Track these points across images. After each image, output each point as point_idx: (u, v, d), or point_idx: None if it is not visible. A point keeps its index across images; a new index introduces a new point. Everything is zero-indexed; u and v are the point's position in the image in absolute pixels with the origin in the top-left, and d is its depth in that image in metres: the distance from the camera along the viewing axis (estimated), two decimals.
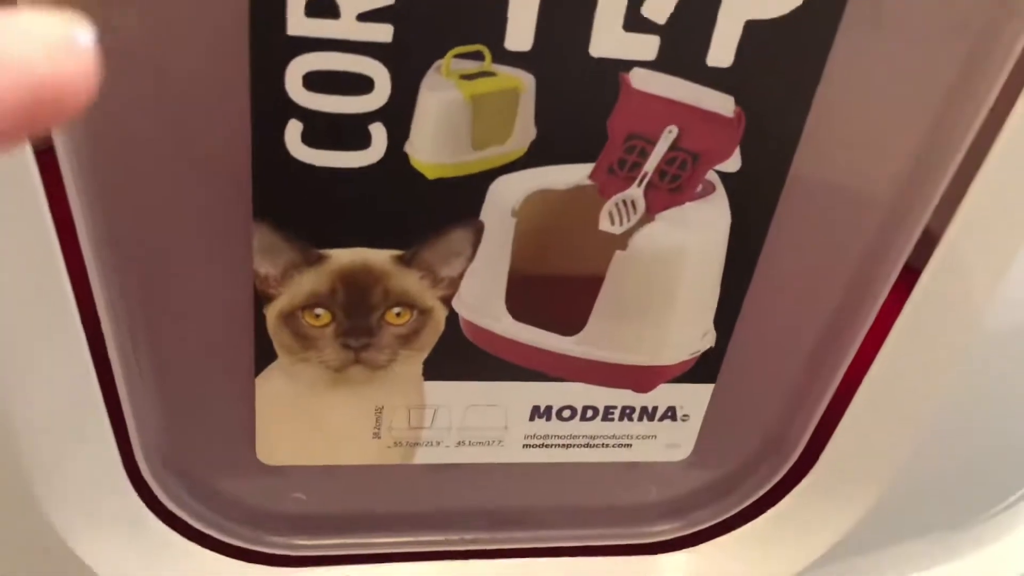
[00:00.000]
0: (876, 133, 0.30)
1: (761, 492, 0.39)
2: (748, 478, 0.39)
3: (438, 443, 0.36)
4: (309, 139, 0.27)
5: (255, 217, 0.28)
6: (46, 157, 0.26)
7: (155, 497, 0.34)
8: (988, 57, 0.28)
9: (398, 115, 0.27)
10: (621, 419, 0.36)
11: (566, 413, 0.36)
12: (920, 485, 0.38)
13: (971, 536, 0.43)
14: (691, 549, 0.40)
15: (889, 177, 0.31)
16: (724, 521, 0.39)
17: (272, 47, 0.25)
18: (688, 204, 0.30)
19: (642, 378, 0.35)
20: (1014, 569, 0.44)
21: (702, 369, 0.35)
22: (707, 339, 0.34)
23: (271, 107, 0.26)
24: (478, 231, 0.30)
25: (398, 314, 0.31)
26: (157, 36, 0.25)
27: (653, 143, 0.29)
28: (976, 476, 0.41)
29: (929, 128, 0.30)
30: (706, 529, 0.40)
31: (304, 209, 0.28)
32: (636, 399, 0.36)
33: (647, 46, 0.27)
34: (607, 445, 0.37)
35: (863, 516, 0.38)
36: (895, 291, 0.34)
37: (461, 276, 0.31)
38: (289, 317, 0.31)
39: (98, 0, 0.24)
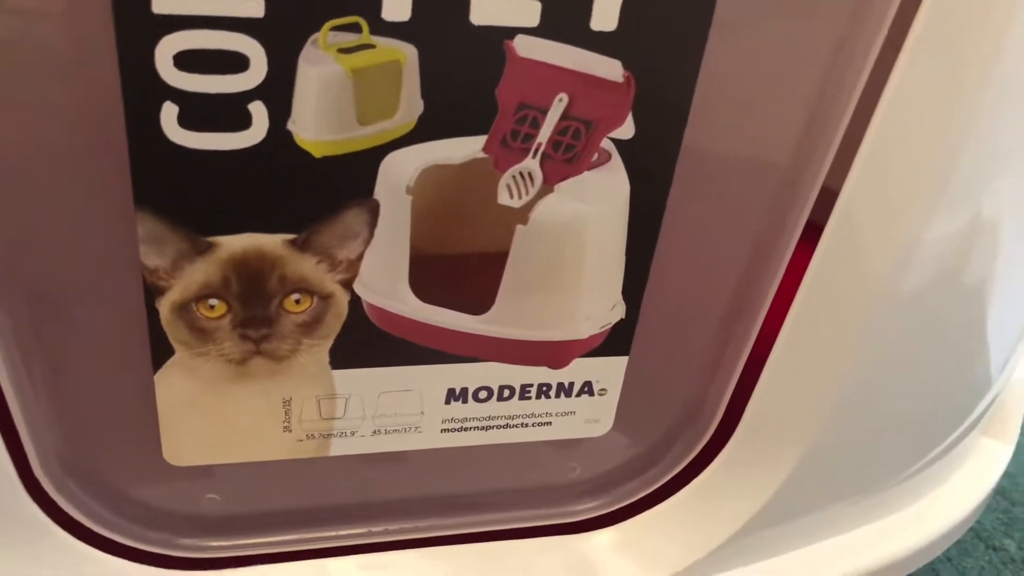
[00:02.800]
0: (767, 93, 0.30)
1: (683, 464, 0.39)
2: (669, 450, 0.39)
3: (352, 433, 0.35)
4: (186, 121, 0.26)
5: (137, 206, 0.27)
6: None
7: (57, 506, 0.33)
8: (871, 10, 0.29)
9: (278, 92, 0.26)
10: (539, 397, 0.36)
11: (482, 394, 0.35)
12: (838, 447, 0.39)
13: (889, 497, 0.44)
14: (616, 526, 0.40)
15: (783, 137, 0.31)
16: (648, 495, 0.39)
17: (138, 26, 0.24)
18: (586, 173, 0.30)
19: (556, 354, 0.35)
20: (932, 529, 0.44)
21: (615, 342, 0.35)
22: (617, 311, 0.34)
23: (143, 89, 0.25)
24: (373, 210, 0.29)
25: (297, 301, 0.31)
26: (16, 21, 0.24)
27: (544, 112, 0.29)
28: (892, 437, 0.41)
29: (817, 86, 0.30)
30: (631, 504, 0.39)
31: (187, 195, 0.27)
32: (552, 376, 0.36)
33: (529, 12, 0.26)
34: (526, 425, 0.37)
35: (784, 482, 0.38)
36: (800, 251, 0.34)
37: (360, 258, 0.30)
38: (183, 310, 0.30)
39: None
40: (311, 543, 0.37)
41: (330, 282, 0.31)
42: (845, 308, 0.34)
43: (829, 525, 0.41)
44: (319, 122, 0.27)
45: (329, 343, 0.32)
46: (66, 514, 0.33)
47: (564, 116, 0.29)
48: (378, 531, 0.38)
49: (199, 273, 0.29)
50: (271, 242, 0.29)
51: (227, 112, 0.26)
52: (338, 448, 0.35)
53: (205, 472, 0.35)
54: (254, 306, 0.30)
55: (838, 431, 0.38)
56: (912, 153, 0.31)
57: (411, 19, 0.25)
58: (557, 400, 0.36)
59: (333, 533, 0.37)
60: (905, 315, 0.36)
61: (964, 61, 0.29)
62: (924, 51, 0.29)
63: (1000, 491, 0.79)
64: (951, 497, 0.46)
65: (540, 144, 0.29)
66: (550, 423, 0.37)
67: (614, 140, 0.30)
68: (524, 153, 0.29)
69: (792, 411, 0.37)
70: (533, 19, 0.26)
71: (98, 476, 0.33)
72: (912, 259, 0.33)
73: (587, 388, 0.36)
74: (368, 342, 0.33)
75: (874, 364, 0.36)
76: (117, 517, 0.34)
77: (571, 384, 0.36)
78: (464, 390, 0.35)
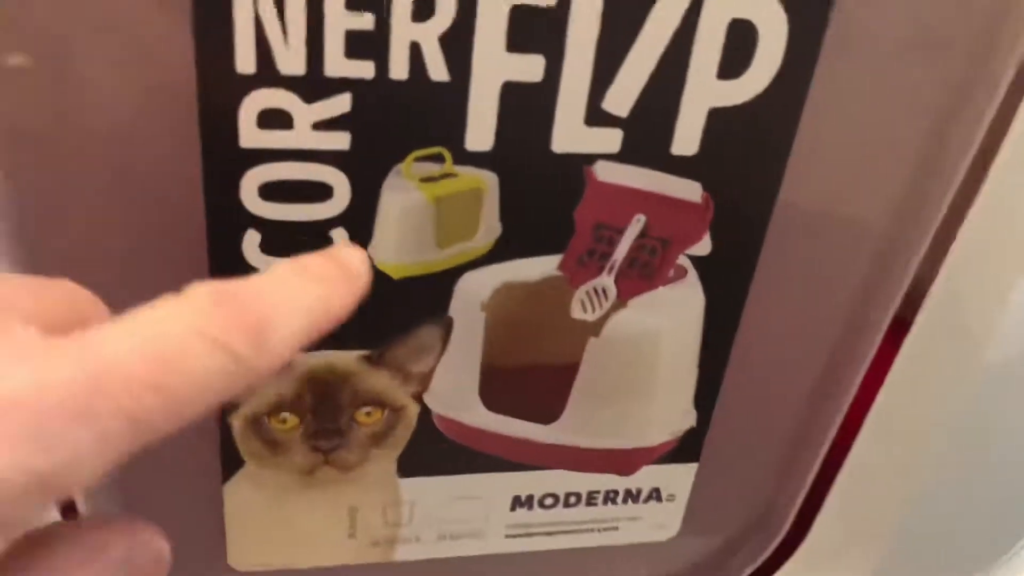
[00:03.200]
0: (847, 207, 0.30)
1: (751, 569, 0.38)
2: (737, 553, 0.38)
3: (417, 539, 0.35)
4: (268, 248, 0.26)
5: None
6: None
7: None
8: (959, 123, 0.28)
9: (359, 219, 0.26)
10: (605, 503, 0.35)
11: (548, 501, 0.35)
12: (914, 549, 0.38)
13: None
14: None
15: (865, 245, 0.31)
16: None
17: (225, 160, 0.24)
18: (660, 289, 0.30)
19: (624, 461, 0.34)
20: None
21: (685, 448, 0.34)
22: (688, 418, 0.33)
23: (227, 218, 0.25)
24: (447, 326, 0.29)
25: (368, 414, 0.30)
26: (107, 160, 0.24)
27: (621, 232, 0.28)
28: (973, 532, 0.40)
29: (903, 191, 0.30)
30: None
31: None
32: (619, 482, 0.35)
33: (610, 139, 0.26)
34: (592, 530, 0.36)
35: None
36: (878, 354, 0.33)
37: (432, 371, 0.30)
38: (255, 423, 0.30)
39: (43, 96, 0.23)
40: None
41: (402, 395, 0.30)
42: (929, 408, 0.33)
43: None
44: (400, 247, 0.27)
45: (397, 452, 0.32)
46: None
47: (641, 235, 0.28)
48: None
49: (273, 388, 0.29)
50: (346, 358, 0.29)
51: (309, 238, 0.26)
52: (402, 553, 0.35)
53: None
54: (326, 419, 0.30)
55: (912, 535, 0.37)
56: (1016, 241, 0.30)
57: (493, 148, 0.25)
58: (624, 506, 0.36)
59: None
60: (996, 411, 0.34)
61: None
62: None
63: None
64: None
65: (616, 261, 0.29)
66: (616, 528, 0.36)
67: (690, 256, 0.29)
68: (599, 270, 0.29)
69: (866, 517, 0.36)
70: (614, 146, 0.26)
71: None
72: (1010, 346, 0.32)
73: (655, 494, 0.36)
74: (436, 451, 0.32)
75: (952, 466, 0.35)
76: None
77: (639, 490, 0.35)
78: (530, 497, 0.35)
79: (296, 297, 0.18)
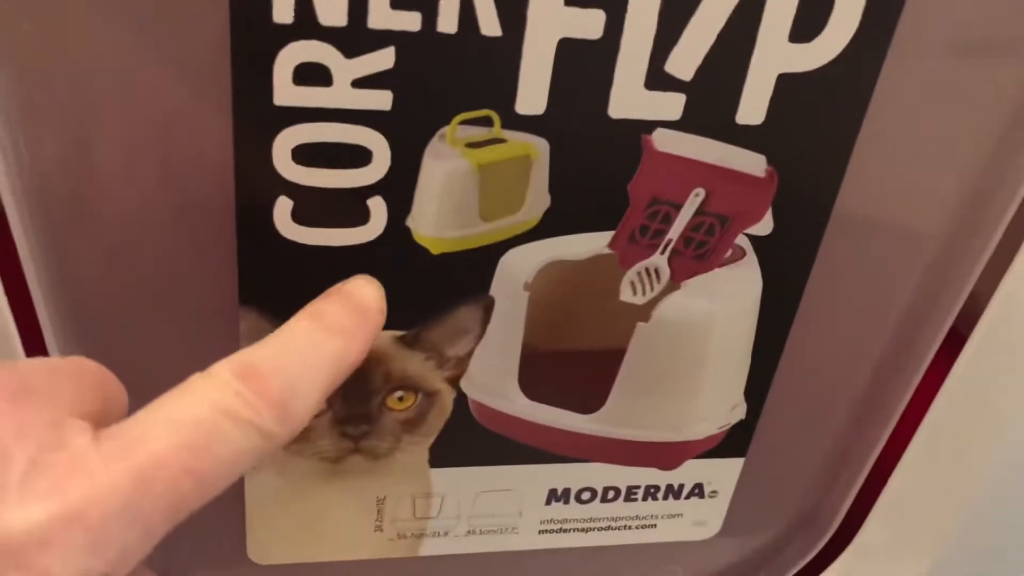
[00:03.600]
0: (917, 191, 0.28)
1: (795, 570, 0.36)
2: (780, 555, 0.36)
3: (446, 533, 0.33)
4: (300, 217, 0.24)
5: (242, 303, 0.26)
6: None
7: None
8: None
9: (399, 187, 0.24)
10: (645, 499, 0.33)
11: (585, 495, 0.33)
12: (968, 556, 0.36)
13: None
14: None
15: (931, 239, 0.29)
16: None
17: (257, 118, 0.22)
18: (716, 270, 0.28)
19: (667, 455, 0.32)
20: None
21: (731, 443, 0.32)
22: (737, 412, 0.32)
23: (258, 184, 0.23)
24: (487, 308, 0.27)
25: (400, 398, 0.29)
26: (131, 114, 0.23)
27: (678, 207, 0.26)
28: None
29: (973, 185, 0.28)
30: None
31: (295, 292, 0.25)
32: (661, 477, 0.33)
33: (672, 105, 0.24)
34: (630, 527, 0.34)
35: None
36: (938, 357, 0.31)
37: (470, 355, 0.28)
38: None
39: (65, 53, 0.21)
40: None
41: (437, 379, 0.29)
42: (986, 419, 0.31)
43: None
44: (440, 218, 0.25)
45: (430, 441, 0.30)
46: None
47: (699, 211, 0.27)
48: None
49: None
50: (378, 338, 0.27)
51: (344, 207, 0.24)
52: (429, 548, 0.33)
53: (290, 570, 0.33)
54: (355, 404, 0.28)
55: (966, 545, 0.35)
56: None
57: (546, 112, 0.24)
58: (664, 502, 0.34)
59: None
60: None
61: None
62: None
63: None
64: None
65: (670, 240, 0.27)
66: (655, 525, 0.34)
67: (750, 236, 0.27)
68: (652, 249, 0.27)
69: (915, 524, 0.34)
70: (676, 112, 0.24)
71: (180, 573, 0.32)
72: None
73: (697, 490, 0.34)
74: (469, 440, 0.30)
75: (1010, 477, 0.33)
76: None
77: (681, 486, 0.33)
78: (567, 491, 0.33)
79: (315, 359, 0.19)
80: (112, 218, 0.24)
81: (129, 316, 0.26)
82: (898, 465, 0.33)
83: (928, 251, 0.29)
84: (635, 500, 0.33)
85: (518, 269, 0.27)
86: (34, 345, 0.26)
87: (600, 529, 0.34)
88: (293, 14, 0.21)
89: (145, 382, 0.28)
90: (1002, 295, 0.29)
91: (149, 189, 0.24)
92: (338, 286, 0.22)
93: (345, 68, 0.22)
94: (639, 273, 0.28)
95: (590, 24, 0.22)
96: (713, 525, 0.35)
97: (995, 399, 0.31)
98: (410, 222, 0.25)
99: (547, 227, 0.26)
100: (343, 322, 0.21)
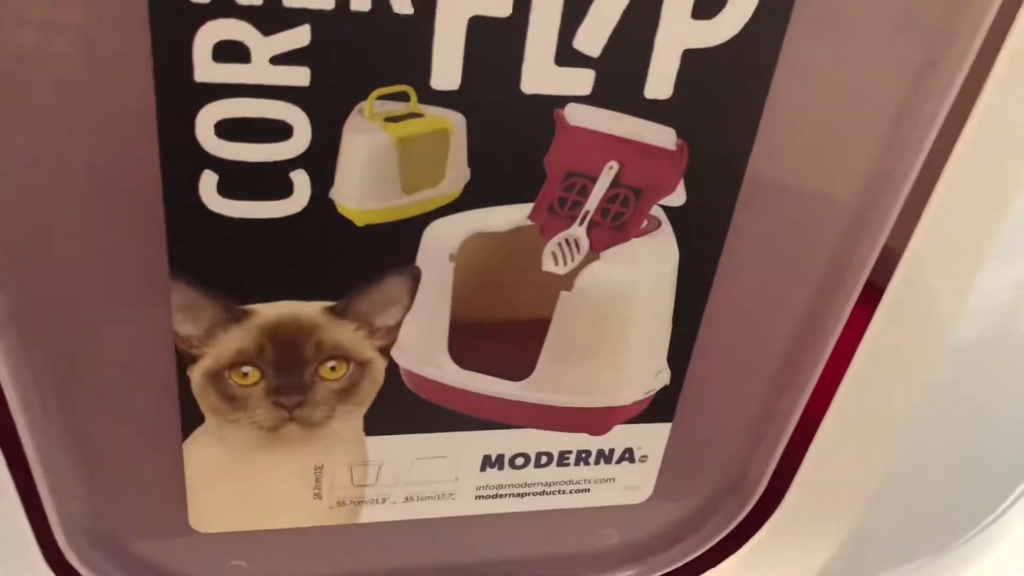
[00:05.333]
0: (824, 156, 0.29)
1: (725, 532, 0.37)
2: (711, 518, 0.37)
3: (384, 500, 0.34)
4: (225, 190, 0.25)
5: (172, 274, 0.26)
6: None
7: (78, 575, 0.32)
8: (939, 63, 0.27)
9: (321, 161, 0.25)
10: (577, 464, 0.35)
11: (519, 461, 0.34)
12: (892, 515, 0.37)
13: (949, 561, 0.42)
14: None
15: (840, 201, 0.30)
16: (687, 565, 0.38)
17: (179, 95, 0.23)
18: (634, 241, 0.29)
19: (596, 420, 0.34)
20: None
21: (658, 408, 0.34)
22: (661, 377, 0.33)
23: (182, 158, 0.24)
24: (415, 278, 0.28)
25: (333, 368, 0.30)
26: (56, 87, 0.23)
27: (593, 180, 0.28)
28: (950, 499, 0.40)
29: (877, 148, 0.29)
30: (669, 573, 0.38)
31: (224, 263, 0.26)
32: (592, 442, 0.34)
33: (581, 80, 0.25)
34: (564, 492, 0.35)
35: (835, 553, 0.37)
36: (853, 315, 0.33)
37: (399, 325, 0.29)
38: (215, 377, 0.29)
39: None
40: None
41: (368, 349, 0.30)
42: (904, 373, 0.33)
43: None
44: (363, 191, 0.26)
45: (364, 410, 0.31)
46: None
47: (614, 184, 0.28)
48: None
49: (233, 341, 0.28)
50: (308, 309, 0.28)
51: (268, 180, 0.25)
52: (368, 515, 0.34)
53: (232, 539, 0.34)
54: (288, 373, 0.29)
55: (891, 501, 0.36)
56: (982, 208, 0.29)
57: (460, 88, 0.25)
58: (596, 467, 0.35)
59: None
60: (965, 377, 0.34)
61: None
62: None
63: None
64: (1013, 559, 0.44)
65: (588, 212, 0.28)
66: (588, 490, 0.36)
67: (664, 207, 0.29)
68: (571, 220, 0.28)
69: (842, 481, 0.35)
70: (586, 87, 0.25)
71: (123, 546, 0.32)
72: (977, 317, 0.32)
73: (628, 455, 0.35)
74: (403, 409, 0.31)
75: (932, 429, 0.35)
76: None
77: (611, 451, 0.35)
78: (500, 457, 0.34)
79: None
80: (40, 196, 0.25)
81: (62, 293, 0.27)
82: (818, 430, 0.35)
83: (839, 214, 0.30)
84: (567, 465, 0.35)
85: (443, 240, 0.28)
86: None
87: (535, 494, 0.35)
88: None
89: (82, 355, 0.29)
90: (913, 249, 0.30)
91: (77, 167, 0.25)
92: None
93: (263, 45, 0.23)
94: (559, 244, 0.29)
95: (499, 2, 0.23)
96: (645, 490, 0.36)
97: (912, 355, 0.32)
98: (333, 194, 0.26)
99: (469, 199, 0.27)
100: None
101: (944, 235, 0.30)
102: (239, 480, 0.32)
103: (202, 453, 0.31)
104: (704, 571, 0.38)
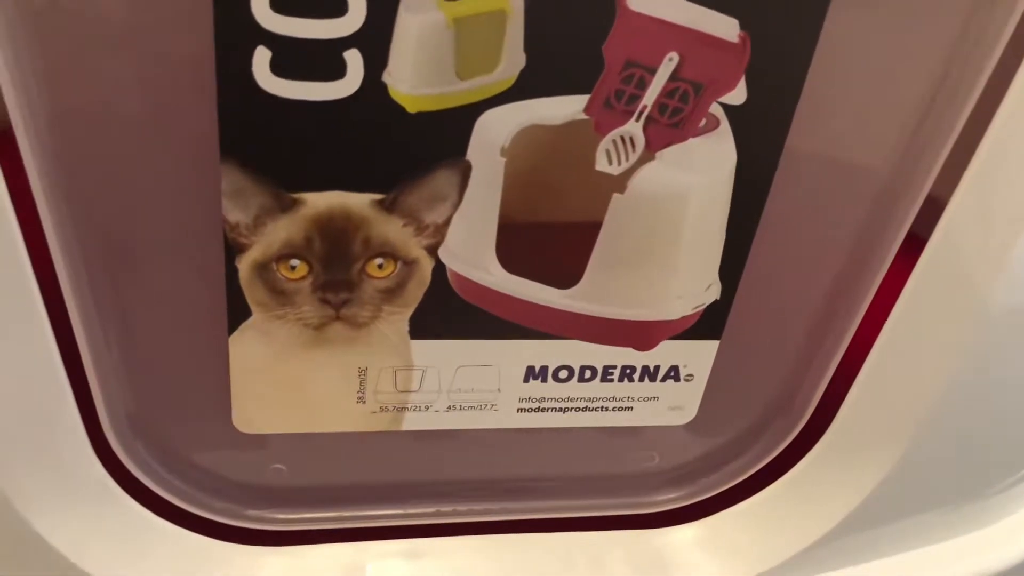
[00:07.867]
0: (888, 68, 0.28)
1: (770, 457, 0.37)
2: (756, 443, 0.37)
3: (427, 407, 0.34)
4: (278, 68, 0.25)
5: (222, 157, 0.26)
6: None
7: (124, 468, 0.32)
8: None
9: (375, 41, 0.25)
10: (621, 380, 0.34)
11: (563, 374, 0.34)
12: (938, 451, 0.36)
13: (988, 506, 0.41)
14: (696, 522, 0.38)
15: (902, 119, 0.29)
16: (731, 490, 0.37)
17: None
18: (691, 140, 0.28)
19: (643, 334, 0.33)
20: None
21: (707, 325, 0.33)
22: (712, 291, 0.32)
23: (236, 32, 0.24)
24: (464, 172, 0.28)
25: (380, 266, 0.29)
26: None
27: (652, 72, 0.27)
28: (995, 443, 0.39)
29: (938, 75, 0.28)
30: (712, 499, 0.37)
31: (275, 147, 0.26)
32: (637, 358, 0.34)
33: None
34: (606, 408, 0.35)
35: (878, 484, 0.36)
36: (905, 249, 0.32)
37: (447, 223, 0.29)
38: (263, 269, 0.29)
39: None
40: (375, 520, 0.36)
41: (415, 247, 0.29)
42: (953, 312, 0.32)
43: (922, 533, 0.39)
44: (416, 74, 0.25)
45: (410, 311, 0.31)
46: (132, 476, 0.33)
47: (673, 77, 0.27)
48: (446, 511, 0.36)
49: (282, 231, 0.28)
50: (357, 201, 0.28)
51: (322, 59, 0.25)
52: (411, 423, 0.34)
53: (273, 441, 0.34)
54: (336, 269, 0.29)
55: (938, 435, 0.35)
56: None
57: None
58: (640, 384, 0.34)
59: (399, 511, 0.36)
60: (1015, 323, 0.33)
61: None
62: None
63: None
64: None
65: (645, 107, 0.27)
66: (631, 408, 0.35)
67: (723, 105, 0.28)
68: (627, 116, 0.28)
69: (890, 412, 0.35)
70: None
71: (166, 439, 0.33)
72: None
73: (673, 373, 0.34)
74: (449, 313, 0.31)
75: (980, 368, 0.34)
76: (182, 483, 0.34)
77: (656, 368, 0.34)
78: (544, 368, 0.33)
79: None
80: (91, 71, 0.24)
81: (113, 172, 0.27)
82: (867, 357, 0.34)
83: (904, 123, 0.29)
84: (611, 380, 0.34)
85: (495, 132, 0.27)
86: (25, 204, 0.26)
87: (577, 410, 0.35)
88: None
89: (133, 240, 0.29)
90: (957, 197, 0.29)
91: (130, 43, 0.25)
92: None
93: None
94: (614, 141, 0.28)
95: None
96: (689, 410, 0.36)
97: (968, 272, 0.31)
98: (386, 77, 0.25)
99: (523, 88, 0.26)
100: None
101: (986, 189, 0.29)
102: (283, 380, 0.32)
103: (247, 349, 0.31)
104: (746, 497, 0.37)
